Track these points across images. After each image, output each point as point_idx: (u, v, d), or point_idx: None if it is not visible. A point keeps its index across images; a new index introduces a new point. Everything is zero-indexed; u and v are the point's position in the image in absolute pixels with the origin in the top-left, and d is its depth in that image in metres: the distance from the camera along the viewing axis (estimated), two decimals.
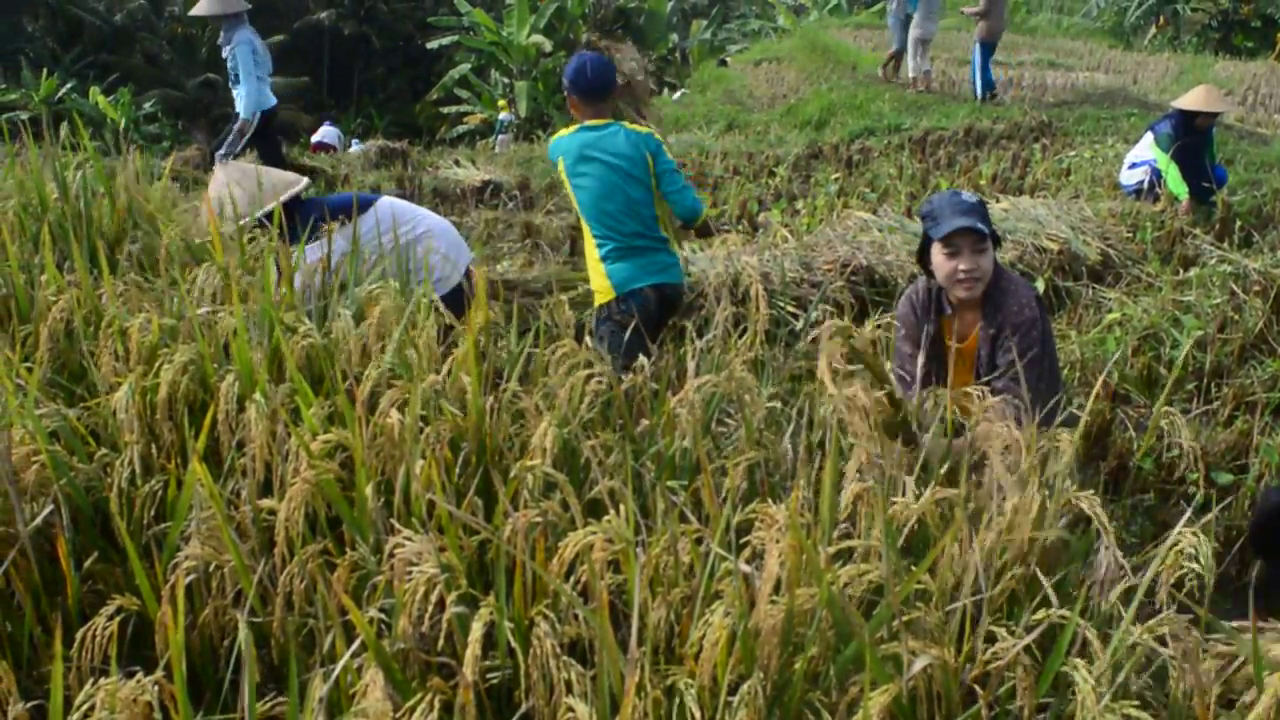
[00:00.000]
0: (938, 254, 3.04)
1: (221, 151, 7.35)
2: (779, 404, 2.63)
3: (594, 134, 3.96)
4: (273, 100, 7.68)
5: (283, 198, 3.70)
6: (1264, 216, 7.18)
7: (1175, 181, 6.98)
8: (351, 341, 2.58)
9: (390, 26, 33.57)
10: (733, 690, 1.56)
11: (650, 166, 3.97)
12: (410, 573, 1.69)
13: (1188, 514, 1.87)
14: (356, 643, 1.58)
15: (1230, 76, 14.79)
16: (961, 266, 2.99)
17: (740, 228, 7.02)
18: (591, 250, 4.05)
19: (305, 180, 3.93)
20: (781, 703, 1.63)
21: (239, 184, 3.69)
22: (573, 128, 4.04)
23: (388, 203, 4.02)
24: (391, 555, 1.74)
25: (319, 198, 4.14)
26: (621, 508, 1.81)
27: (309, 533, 1.92)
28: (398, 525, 1.84)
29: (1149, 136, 7.36)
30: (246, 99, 7.34)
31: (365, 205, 3.81)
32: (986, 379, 3.04)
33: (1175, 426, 2.36)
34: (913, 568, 1.78)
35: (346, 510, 1.93)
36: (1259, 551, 3.23)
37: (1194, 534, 1.75)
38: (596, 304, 4.12)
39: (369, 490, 1.92)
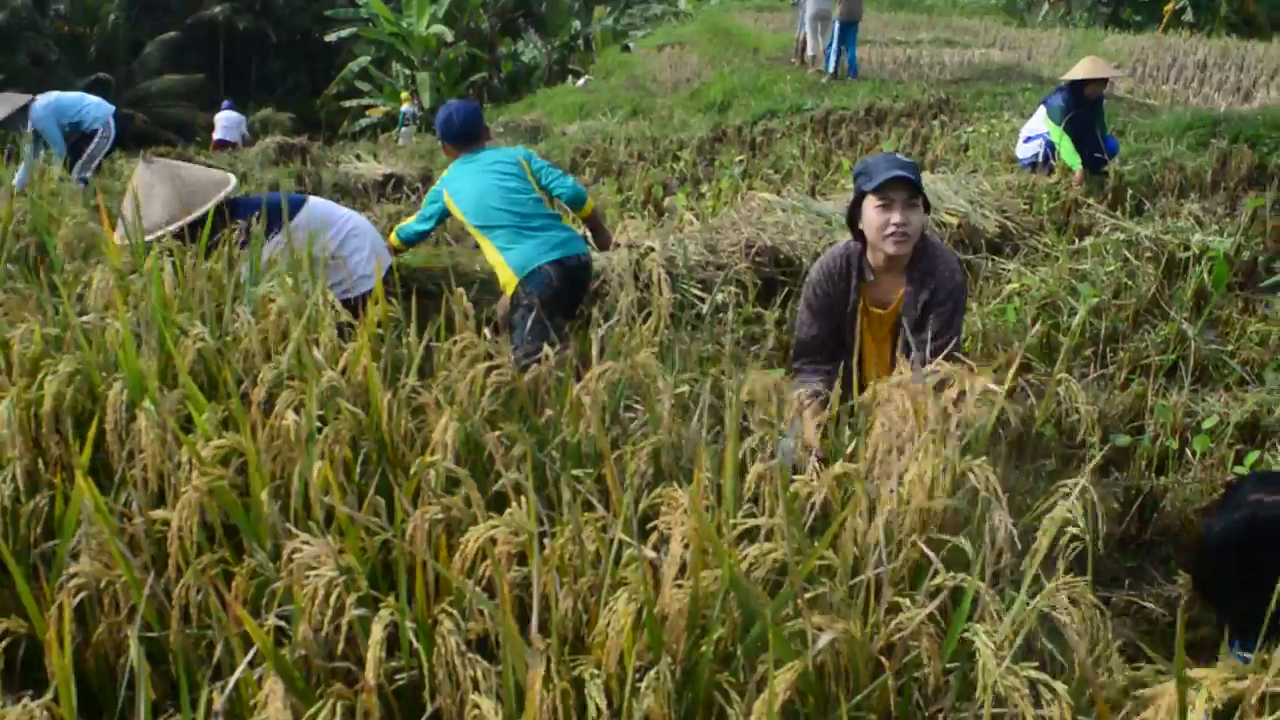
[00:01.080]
0: (870, 208, 3.02)
1: (82, 173, 7.19)
2: (686, 388, 2.62)
3: (466, 162, 4.33)
4: (110, 107, 7.62)
5: (216, 199, 3.70)
6: (1154, 185, 7.38)
7: (1068, 153, 7.15)
8: (254, 341, 2.52)
9: (287, 20, 32.93)
10: (641, 676, 1.55)
11: (526, 169, 4.27)
12: (309, 577, 1.65)
13: (1083, 478, 1.90)
14: (252, 652, 1.54)
15: (1120, 50, 15.20)
16: (894, 219, 2.97)
17: (645, 213, 7.02)
18: (490, 250, 4.14)
19: (234, 180, 3.90)
20: (691, 686, 1.63)
21: (166, 184, 3.63)
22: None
23: (317, 203, 4.17)
24: (290, 560, 1.70)
25: (253, 197, 4.13)
26: (524, 499, 1.79)
27: (206, 543, 1.87)
28: (295, 529, 1.80)
29: (1042, 110, 7.52)
30: (58, 152, 7.32)
31: (296, 206, 3.89)
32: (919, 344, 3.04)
33: (1073, 392, 2.41)
34: (816, 544, 1.79)
35: (242, 516, 1.88)
36: (1205, 592, 2.72)
37: (1085, 493, 1.79)
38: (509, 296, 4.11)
39: (264, 495, 1.88)
